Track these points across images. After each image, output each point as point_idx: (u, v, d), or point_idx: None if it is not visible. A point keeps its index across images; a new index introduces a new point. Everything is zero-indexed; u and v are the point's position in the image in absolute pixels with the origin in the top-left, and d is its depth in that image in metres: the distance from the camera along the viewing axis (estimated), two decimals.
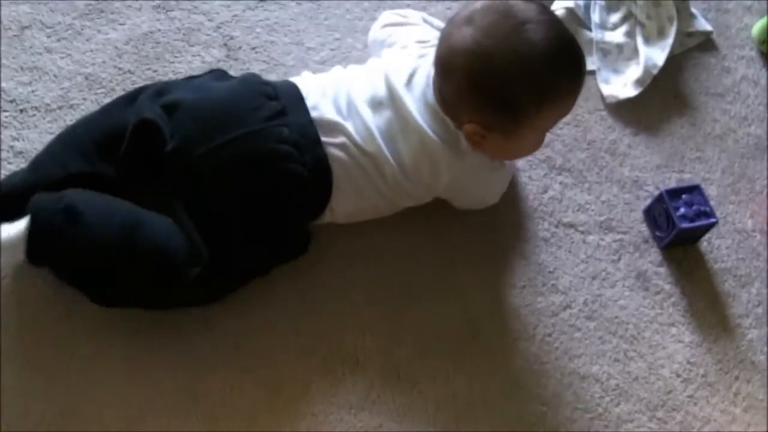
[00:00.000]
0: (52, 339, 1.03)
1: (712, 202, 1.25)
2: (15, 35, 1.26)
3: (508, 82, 1.00)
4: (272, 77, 1.24)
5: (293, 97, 1.09)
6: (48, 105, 1.20)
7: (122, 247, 0.98)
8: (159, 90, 1.10)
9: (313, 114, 1.07)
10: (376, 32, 1.26)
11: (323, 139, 1.05)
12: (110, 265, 0.98)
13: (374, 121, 1.07)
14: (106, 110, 1.12)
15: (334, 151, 1.06)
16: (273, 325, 1.09)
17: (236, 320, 1.08)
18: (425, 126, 1.06)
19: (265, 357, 1.07)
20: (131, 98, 1.10)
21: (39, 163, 1.06)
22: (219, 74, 1.18)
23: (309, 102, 1.08)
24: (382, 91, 1.09)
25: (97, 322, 1.04)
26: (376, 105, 1.08)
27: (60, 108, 1.20)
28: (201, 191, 1.03)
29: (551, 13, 1.05)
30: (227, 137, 1.02)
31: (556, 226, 1.25)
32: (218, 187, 1.03)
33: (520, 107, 1.01)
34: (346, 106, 1.09)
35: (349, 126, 1.07)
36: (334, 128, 1.07)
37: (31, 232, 0.95)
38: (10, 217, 0.98)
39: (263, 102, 1.06)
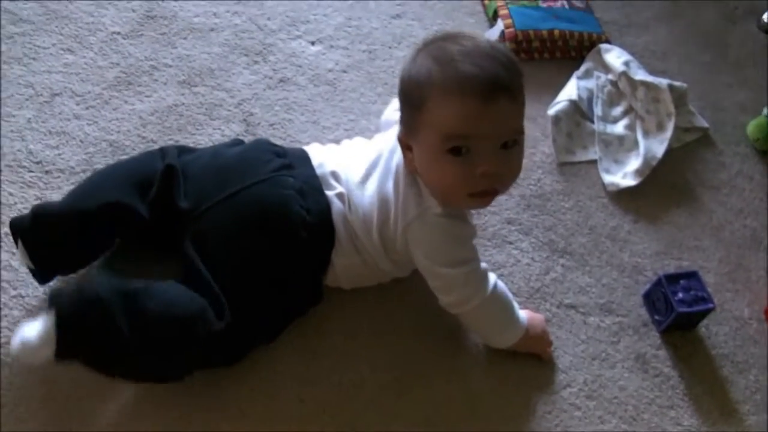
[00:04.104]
0: (49, 407, 1.03)
1: (709, 289, 1.28)
2: (46, 101, 1.33)
3: (407, 80, 1.04)
4: None
5: (300, 156, 1.16)
6: (72, 168, 1.25)
7: (133, 318, 0.96)
8: (182, 149, 1.18)
9: (318, 171, 1.14)
10: (389, 114, 1.32)
11: (326, 192, 1.12)
12: (132, 340, 0.96)
13: (365, 173, 1.13)
14: (141, 157, 1.18)
15: (334, 201, 1.11)
16: (277, 391, 1.10)
17: (241, 385, 1.09)
18: (400, 177, 1.10)
19: (269, 423, 1.07)
20: (162, 153, 1.16)
21: (76, 192, 1.11)
22: (236, 141, 1.25)
23: (315, 162, 1.15)
24: (378, 153, 1.15)
25: (98, 388, 1.05)
26: (372, 164, 1.14)
27: (84, 171, 1.24)
28: (213, 243, 1.06)
29: (487, 49, 1.02)
30: (235, 188, 1.08)
31: (558, 307, 1.28)
32: (227, 236, 1.06)
33: (412, 98, 1.03)
34: (346, 162, 1.16)
35: (345, 176, 1.14)
36: (335, 178, 1.14)
37: (59, 325, 0.93)
38: (43, 240, 1.03)
39: (271, 158, 1.13)
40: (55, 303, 0.94)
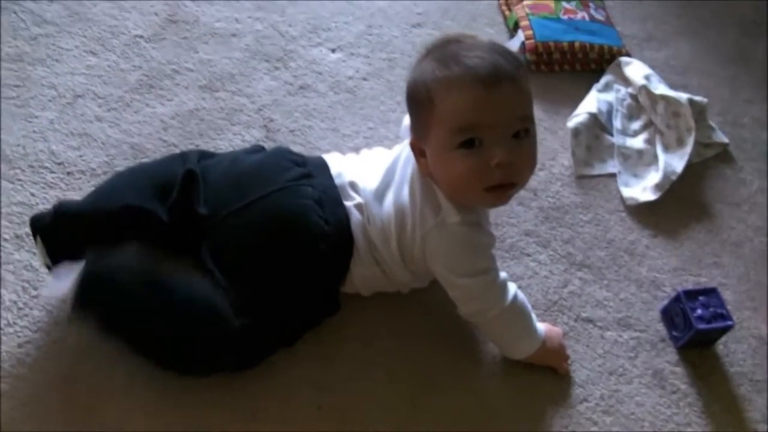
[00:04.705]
0: (68, 405, 1.03)
1: (728, 307, 1.27)
2: (68, 103, 1.33)
3: (413, 84, 1.07)
4: None
5: (319, 165, 1.17)
6: (93, 170, 1.26)
7: (162, 297, 1.01)
8: (203, 154, 1.18)
9: (337, 181, 1.14)
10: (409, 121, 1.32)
11: (345, 202, 1.12)
12: (151, 316, 1.00)
13: (382, 183, 1.14)
14: (162, 161, 1.18)
15: (353, 211, 1.11)
16: (293, 396, 1.09)
17: (257, 389, 1.09)
18: (417, 189, 1.10)
19: (284, 427, 1.06)
20: (183, 157, 1.16)
21: (98, 192, 1.11)
22: (256, 148, 1.24)
23: (333, 171, 1.15)
24: (394, 163, 1.16)
25: (114, 388, 1.05)
26: (389, 174, 1.15)
27: (105, 173, 1.25)
28: (230, 250, 1.07)
29: (487, 45, 1.05)
30: (254, 197, 1.08)
31: (575, 320, 1.28)
32: (244, 244, 1.07)
33: (419, 101, 1.05)
34: (364, 172, 1.16)
35: (363, 186, 1.14)
36: (354, 189, 1.14)
37: (83, 278, 0.98)
38: (63, 238, 1.03)
39: (290, 167, 1.14)
40: (86, 258, 0.99)
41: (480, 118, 1.00)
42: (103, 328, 1.04)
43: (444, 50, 1.04)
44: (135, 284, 1.00)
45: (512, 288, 1.12)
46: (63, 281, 1.00)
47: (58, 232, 1.05)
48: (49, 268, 1.07)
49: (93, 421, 1.02)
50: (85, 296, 0.99)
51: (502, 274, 1.12)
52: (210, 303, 1.02)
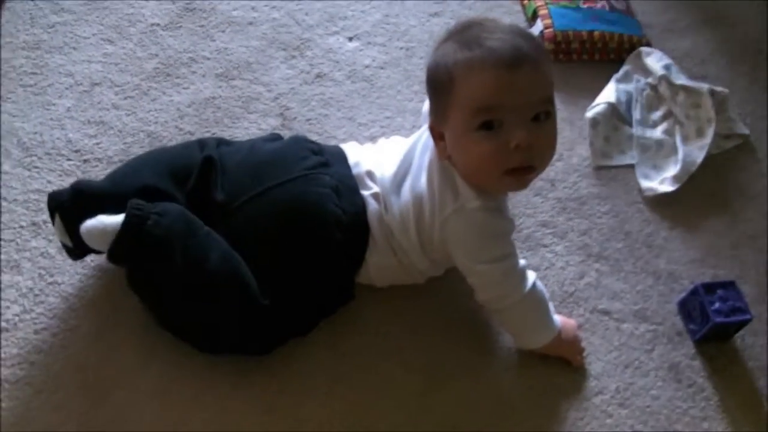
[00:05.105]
0: (83, 392, 1.04)
1: (746, 300, 1.25)
2: (85, 90, 1.34)
3: (434, 66, 1.06)
4: None
5: (337, 154, 1.17)
6: (110, 157, 1.26)
7: (198, 261, 1.01)
8: (220, 141, 1.19)
9: (354, 170, 1.14)
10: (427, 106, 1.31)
11: (362, 191, 1.12)
12: (185, 270, 1.01)
13: (400, 172, 1.13)
14: (181, 146, 1.19)
15: (369, 201, 1.11)
16: (307, 388, 1.10)
17: (271, 380, 1.09)
18: (435, 172, 1.09)
19: (297, 419, 1.07)
20: (201, 144, 1.17)
21: (117, 173, 1.12)
22: (274, 136, 1.25)
23: (351, 160, 1.16)
24: (411, 151, 1.16)
25: (132, 377, 1.06)
26: (406, 163, 1.14)
27: (121, 161, 1.25)
28: (246, 238, 1.07)
29: (509, 28, 1.06)
30: (270, 184, 1.08)
31: (591, 312, 1.27)
32: (260, 232, 1.07)
33: (439, 83, 1.05)
34: (381, 161, 1.16)
35: (381, 175, 1.14)
36: (371, 178, 1.14)
37: (124, 223, 0.99)
38: (81, 216, 1.02)
39: (308, 155, 1.14)
40: (129, 208, 1.00)
41: (501, 100, 0.99)
42: (134, 282, 1.04)
43: (465, 33, 1.04)
44: (178, 232, 1.01)
45: (531, 276, 1.11)
46: (104, 221, 1.00)
47: (77, 210, 1.04)
48: (65, 246, 1.07)
49: (106, 408, 1.03)
50: (125, 241, 0.99)
51: (522, 262, 1.11)
52: (242, 273, 1.03)
